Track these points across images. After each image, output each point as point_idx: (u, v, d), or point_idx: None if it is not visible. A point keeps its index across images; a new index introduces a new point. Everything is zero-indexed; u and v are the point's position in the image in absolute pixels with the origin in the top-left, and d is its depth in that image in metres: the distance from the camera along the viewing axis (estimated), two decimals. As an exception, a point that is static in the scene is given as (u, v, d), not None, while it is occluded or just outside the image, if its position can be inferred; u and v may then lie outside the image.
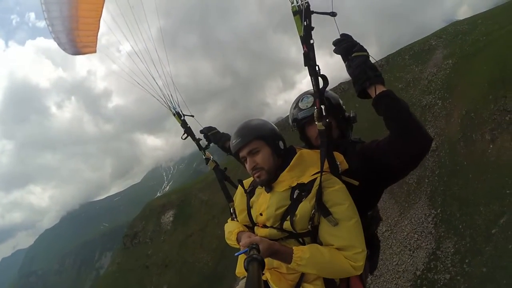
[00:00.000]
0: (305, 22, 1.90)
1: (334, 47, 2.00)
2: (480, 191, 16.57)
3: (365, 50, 1.93)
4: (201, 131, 3.50)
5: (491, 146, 17.45)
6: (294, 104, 2.62)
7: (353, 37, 2.00)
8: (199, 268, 36.50)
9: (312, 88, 2.14)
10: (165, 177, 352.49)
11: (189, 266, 38.10)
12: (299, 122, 2.55)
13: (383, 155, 2.09)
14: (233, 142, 2.20)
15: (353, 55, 1.92)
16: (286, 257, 1.91)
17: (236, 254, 1.97)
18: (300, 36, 1.92)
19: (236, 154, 2.27)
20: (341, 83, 34.16)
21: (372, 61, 1.95)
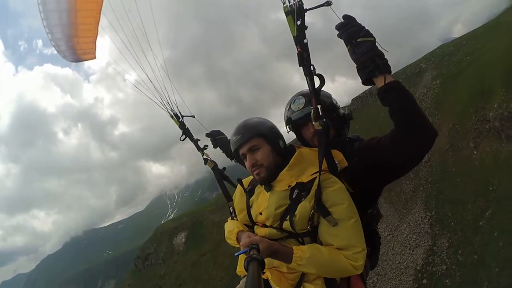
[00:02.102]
0: (298, 22, 1.85)
1: (337, 32, 1.90)
2: (468, 191, 18.92)
3: (372, 35, 1.82)
4: (208, 134, 3.43)
5: (475, 152, 20.11)
6: (288, 106, 2.55)
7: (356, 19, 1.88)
8: (213, 285, 37.49)
9: (307, 88, 2.13)
10: (169, 205, 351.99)
11: (203, 284, 39.07)
12: (293, 124, 2.49)
13: (385, 151, 2.05)
14: (233, 139, 2.17)
15: (358, 40, 1.81)
16: (286, 257, 1.90)
17: (236, 254, 1.95)
18: (294, 36, 1.87)
19: (235, 152, 2.24)
20: (341, 107, 36.80)
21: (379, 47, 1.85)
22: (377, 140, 2.16)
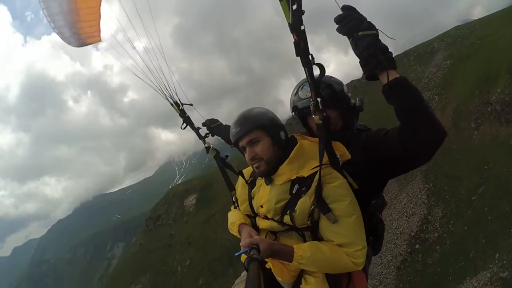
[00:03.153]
0: (294, 6, 1.64)
1: (336, 26, 1.72)
2: (465, 168, 20.33)
3: (374, 28, 1.67)
4: (204, 124, 3.37)
5: (475, 132, 21.35)
6: (295, 90, 2.44)
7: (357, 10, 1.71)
8: (221, 243, 39.57)
9: (329, 76, 2.06)
10: (177, 171, 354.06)
11: (211, 243, 41.19)
12: (299, 112, 2.39)
13: (391, 147, 1.96)
14: (232, 132, 2.11)
15: (359, 33, 1.67)
16: (287, 257, 1.92)
17: (236, 254, 1.96)
18: (289, 23, 1.68)
19: (235, 144, 2.19)
20: (352, 80, 37.27)
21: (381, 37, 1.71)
22: (384, 134, 2.07)
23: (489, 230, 16.64)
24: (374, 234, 2.24)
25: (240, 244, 1.98)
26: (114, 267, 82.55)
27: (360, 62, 1.73)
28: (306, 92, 2.33)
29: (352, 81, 37.41)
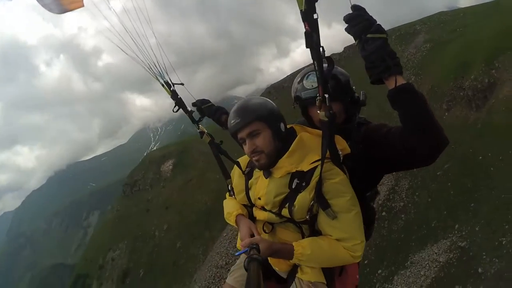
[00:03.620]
0: None
1: (345, 25, 1.67)
2: (434, 145, 21.89)
3: (384, 31, 1.63)
4: (194, 104, 3.17)
5: (446, 114, 22.88)
6: (299, 78, 2.32)
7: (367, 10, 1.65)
8: (198, 207, 40.66)
9: (334, 68, 1.99)
10: (152, 138, 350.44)
11: (188, 207, 42.03)
12: (302, 101, 2.29)
13: (392, 148, 1.93)
14: (231, 122, 2.01)
15: (368, 36, 1.62)
16: (287, 255, 1.92)
17: (236, 254, 1.99)
18: (301, 11, 1.58)
19: (233, 135, 2.07)
20: (333, 53, 37.72)
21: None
22: (386, 132, 2.04)
23: (451, 204, 18.03)
24: (366, 222, 2.19)
25: (240, 244, 2.03)
26: (91, 235, 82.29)
27: (366, 64, 1.70)
28: (311, 82, 2.22)
29: (333, 54, 37.99)
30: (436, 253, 16.54)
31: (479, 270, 13.98)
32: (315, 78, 1.88)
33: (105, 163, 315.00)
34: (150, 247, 43.83)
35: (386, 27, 1.72)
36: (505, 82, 20.19)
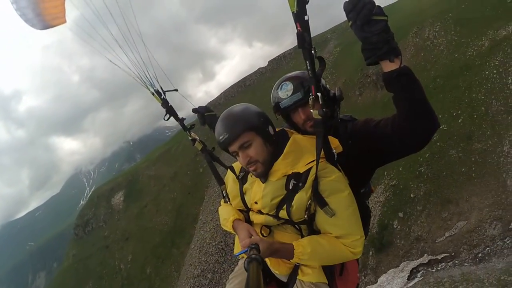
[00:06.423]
0: None
1: (347, 14, 1.58)
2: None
3: (385, 13, 1.58)
4: (195, 111, 2.96)
5: (359, 98, 28.74)
6: (275, 92, 2.30)
7: None
8: (160, 229, 40.88)
9: (303, 72, 2.04)
10: (86, 183, 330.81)
11: (149, 231, 41.99)
12: (282, 111, 2.26)
13: (384, 137, 1.95)
14: (220, 138, 1.93)
15: (373, 17, 1.56)
16: (287, 255, 1.89)
17: (236, 254, 1.95)
18: (293, 13, 1.59)
19: (224, 150, 2.01)
20: (259, 68, 43.71)
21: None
22: (375, 124, 2.05)
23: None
24: (362, 218, 2.08)
25: (240, 244, 1.92)
26: (51, 288, 76.91)
27: (365, 46, 1.63)
28: (285, 92, 2.17)
29: (259, 68, 44.08)
30: (376, 196, 20.94)
31: (411, 195, 19.01)
32: (287, 87, 2.10)
33: (40, 218, 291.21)
34: (118, 282, 42.87)
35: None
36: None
